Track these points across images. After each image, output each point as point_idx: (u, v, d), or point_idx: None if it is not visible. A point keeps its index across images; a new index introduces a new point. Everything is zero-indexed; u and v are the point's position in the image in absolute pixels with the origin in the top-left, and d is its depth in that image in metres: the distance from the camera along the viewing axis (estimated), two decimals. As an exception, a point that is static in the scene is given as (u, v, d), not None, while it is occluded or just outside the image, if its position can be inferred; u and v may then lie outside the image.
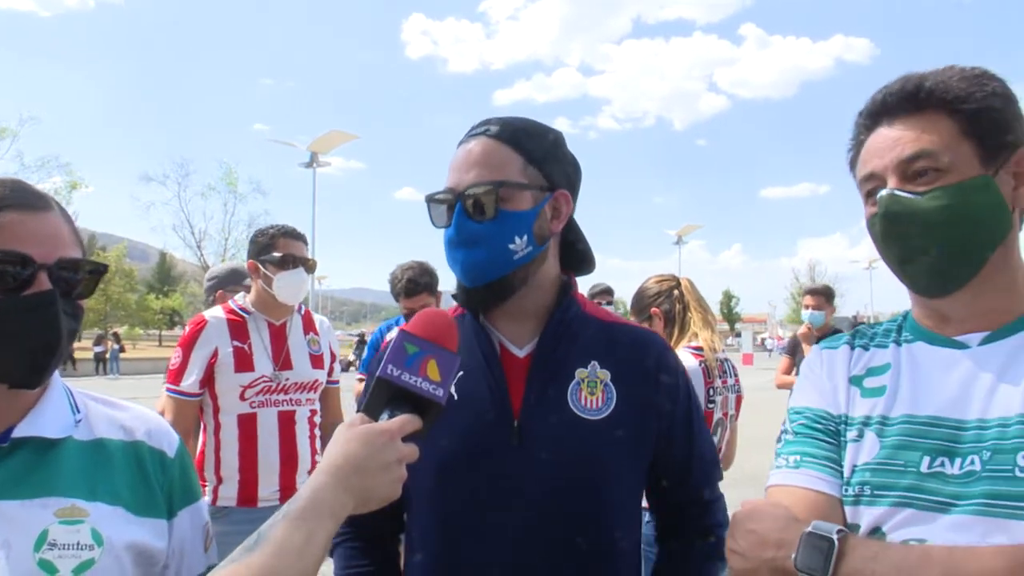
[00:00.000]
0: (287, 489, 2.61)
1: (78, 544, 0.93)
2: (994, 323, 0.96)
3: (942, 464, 0.91)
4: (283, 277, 2.61)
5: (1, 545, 0.89)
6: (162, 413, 2.50)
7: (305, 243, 2.74)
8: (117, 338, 31.15)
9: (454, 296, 1.35)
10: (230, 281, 3.44)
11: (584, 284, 5.32)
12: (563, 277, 1.33)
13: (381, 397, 0.97)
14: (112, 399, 1.14)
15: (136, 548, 0.99)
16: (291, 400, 2.68)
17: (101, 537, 0.95)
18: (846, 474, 0.99)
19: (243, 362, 2.60)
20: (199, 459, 2.61)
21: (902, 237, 0.96)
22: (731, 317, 74.29)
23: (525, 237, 1.21)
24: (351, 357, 24.65)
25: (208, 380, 2.58)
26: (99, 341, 29.20)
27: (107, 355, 28.37)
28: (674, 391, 1.30)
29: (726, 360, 2.64)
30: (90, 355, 28.55)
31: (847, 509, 0.97)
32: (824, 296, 5.02)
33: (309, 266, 2.70)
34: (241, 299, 2.76)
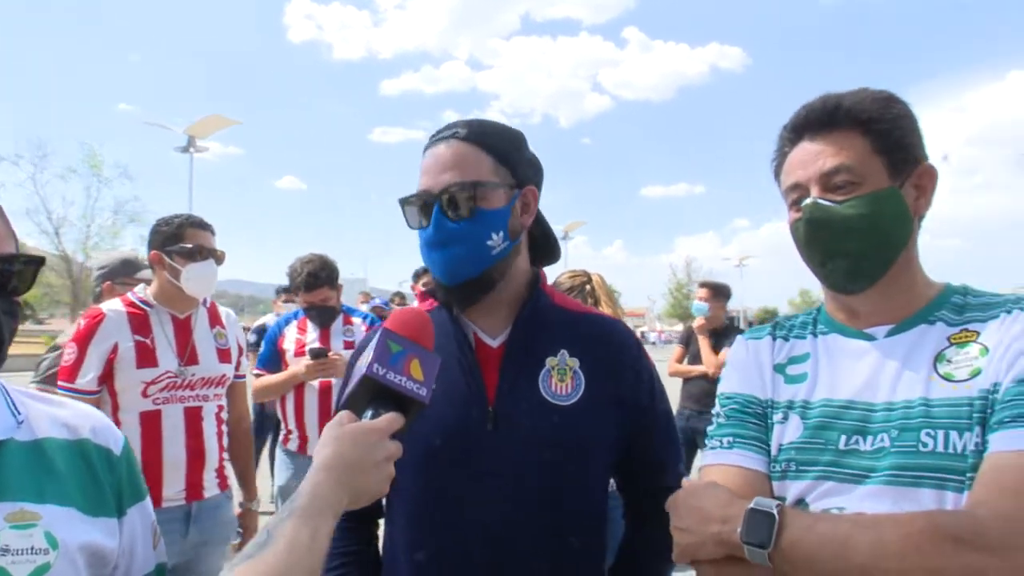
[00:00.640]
0: (194, 487, 2.52)
1: (32, 548, 0.89)
2: (896, 317, 1.09)
3: (856, 442, 1.03)
4: (192, 269, 2.50)
5: None
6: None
7: (213, 233, 2.64)
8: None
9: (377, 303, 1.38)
10: (121, 272, 3.23)
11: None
12: (532, 269, 1.39)
13: (365, 395, 1.00)
14: (49, 396, 1.09)
15: (90, 549, 0.96)
16: (198, 396, 2.58)
17: (55, 540, 0.92)
18: (773, 452, 1.10)
19: (146, 357, 2.48)
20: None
21: (823, 240, 1.08)
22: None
23: (501, 233, 1.27)
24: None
25: (107, 377, 2.44)
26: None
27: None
28: (641, 378, 1.37)
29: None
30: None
31: (775, 483, 1.08)
32: (713, 291, 5.25)
33: (219, 257, 2.60)
34: (141, 291, 2.62)
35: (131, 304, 2.56)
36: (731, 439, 1.14)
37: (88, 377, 2.40)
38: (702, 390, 4.98)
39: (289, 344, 3.61)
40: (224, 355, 2.71)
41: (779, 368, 1.17)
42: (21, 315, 0.99)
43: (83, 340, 2.43)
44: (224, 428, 2.71)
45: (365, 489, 0.94)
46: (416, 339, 1.05)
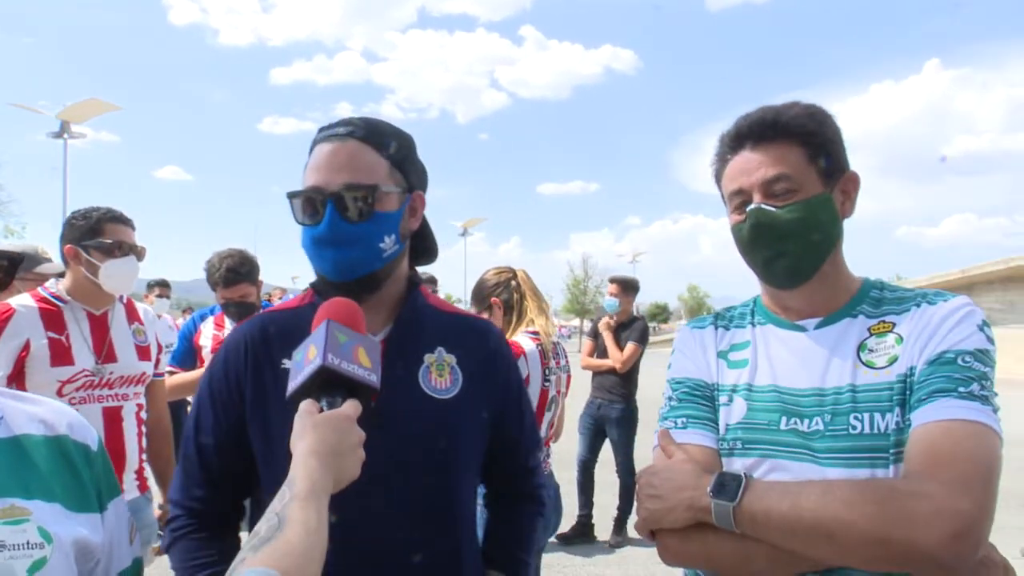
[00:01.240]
0: (113, 490, 2.43)
1: (28, 543, 0.89)
2: (823, 311, 1.21)
3: (795, 423, 1.14)
4: (112, 266, 2.41)
5: None
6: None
7: (134, 228, 2.54)
8: None
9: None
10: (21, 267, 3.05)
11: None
12: (409, 271, 1.44)
13: (317, 385, 1.03)
14: (20, 393, 1.07)
15: (79, 544, 0.96)
16: (117, 395, 2.49)
17: (49, 534, 0.91)
18: (721, 431, 1.21)
19: (60, 355, 2.37)
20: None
21: (766, 242, 1.20)
22: (511, 306, 77.34)
23: (393, 236, 1.30)
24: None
25: (17, 376, 2.32)
26: None
27: None
28: (508, 374, 1.47)
29: (558, 343, 2.91)
30: None
31: (723, 459, 1.19)
32: (622, 286, 5.45)
33: (139, 253, 2.51)
34: (53, 286, 2.50)
35: (43, 299, 2.44)
36: (685, 419, 1.23)
37: None
38: (612, 382, 5.28)
39: (206, 340, 3.51)
40: (144, 352, 2.63)
41: (722, 354, 1.28)
42: None
43: (-10, 337, 2.29)
44: (143, 428, 2.63)
45: (345, 472, 0.99)
46: (356, 328, 1.10)
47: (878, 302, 1.21)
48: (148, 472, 2.69)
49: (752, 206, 1.20)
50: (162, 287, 6.79)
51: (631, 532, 5.14)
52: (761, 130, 1.20)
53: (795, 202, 1.17)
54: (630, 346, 5.20)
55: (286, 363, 1.27)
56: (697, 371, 1.29)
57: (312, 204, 1.27)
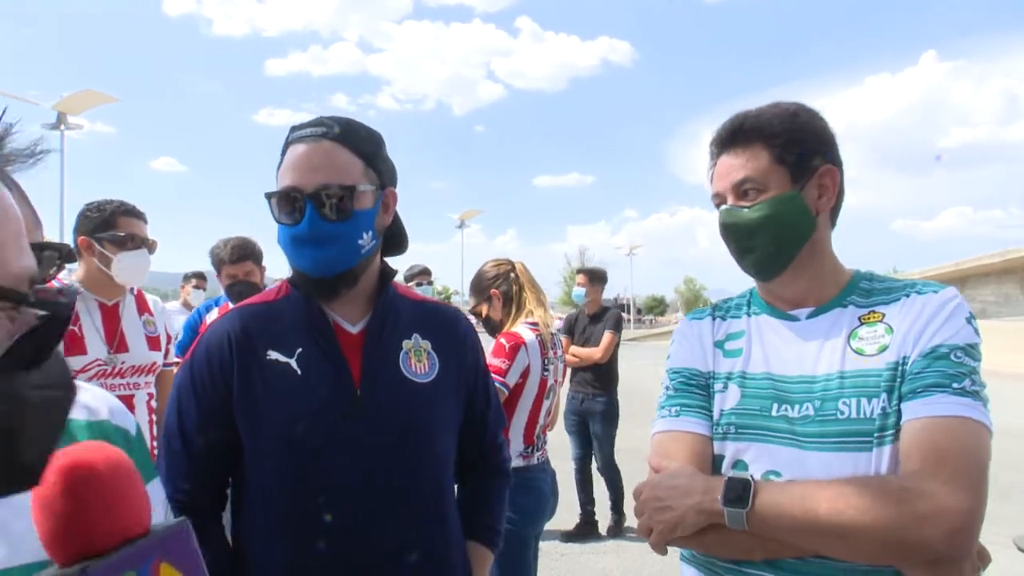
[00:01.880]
0: (126, 477, 2.51)
1: None
2: (814, 301, 1.27)
3: (786, 409, 1.19)
4: (125, 258, 2.49)
5: (3, 532, 0.85)
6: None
7: (146, 221, 2.62)
8: None
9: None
10: None
11: (400, 267, 5.42)
12: (381, 264, 1.49)
13: None
14: None
15: None
16: (128, 384, 2.57)
17: None
18: (715, 417, 1.27)
19: (74, 345, 2.44)
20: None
21: (736, 238, 1.28)
22: (508, 299, 77.39)
23: (370, 232, 1.36)
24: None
25: None
26: None
27: None
28: (476, 356, 1.56)
29: (555, 334, 3.00)
30: None
31: (716, 443, 1.24)
32: (590, 276, 5.43)
33: (151, 246, 2.59)
34: (65, 277, 2.58)
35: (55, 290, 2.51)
36: (678, 408, 1.30)
37: None
38: (592, 375, 5.26)
39: (211, 331, 3.58)
40: (154, 343, 2.71)
41: (719, 344, 1.34)
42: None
43: (6, 328, 2.37)
44: (155, 417, 2.71)
45: None
46: (126, 513, 0.60)
47: (868, 292, 1.26)
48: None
49: (723, 207, 1.29)
50: (199, 278, 6.70)
51: (630, 519, 5.22)
52: (731, 136, 1.28)
53: (761, 201, 1.24)
54: (606, 335, 5.20)
55: (271, 354, 1.34)
56: (693, 361, 1.35)
57: (291, 204, 1.31)
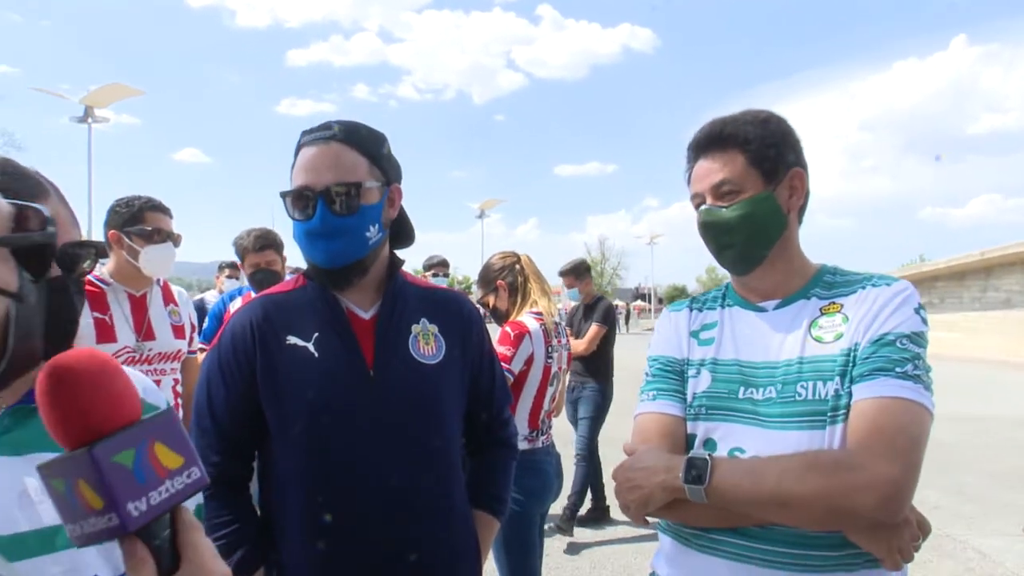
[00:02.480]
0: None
1: None
2: (781, 293, 1.38)
3: (752, 392, 1.31)
4: (152, 250, 2.64)
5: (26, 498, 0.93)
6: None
7: (171, 216, 2.77)
8: None
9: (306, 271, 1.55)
10: None
11: (419, 258, 5.56)
12: (390, 254, 1.60)
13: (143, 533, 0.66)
14: None
15: None
16: (155, 370, 2.73)
17: None
18: (689, 399, 1.39)
19: (104, 333, 2.60)
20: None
21: (715, 235, 1.39)
22: (528, 289, 77.67)
23: (376, 225, 1.48)
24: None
25: None
26: None
27: None
28: (480, 337, 1.67)
29: (559, 323, 3.12)
30: None
31: (690, 423, 1.37)
32: (574, 274, 5.40)
33: (176, 240, 2.74)
34: (97, 269, 2.74)
35: (88, 282, 2.67)
36: (655, 392, 1.43)
37: None
38: (582, 365, 5.31)
39: (236, 319, 3.75)
40: (179, 331, 2.87)
41: (694, 334, 1.46)
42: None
43: (42, 317, 2.52)
44: (180, 402, 2.87)
45: None
46: (116, 404, 0.65)
47: (830, 285, 1.36)
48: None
49: (702, 207, 1.39)
50: (232, 269, 6.84)
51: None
52: (709, 141, 1.39)
53: (737, 201, 1.34)
54: (592, 328, 5.21)
55: (290, 339, 1.46)
56: (670, 349, 1.47)
57: (304, 201, 1.43)
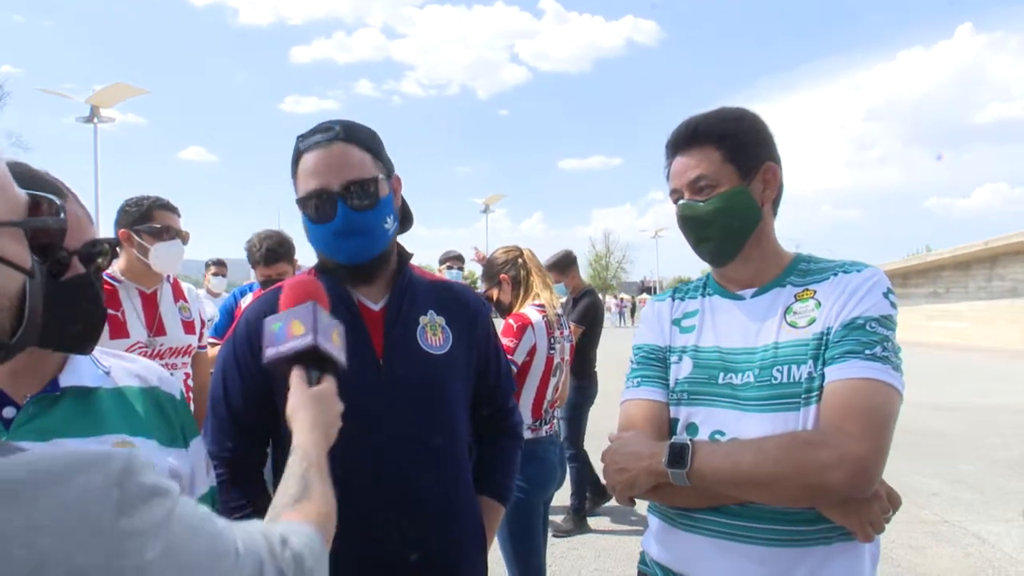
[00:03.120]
0: (165, 451, 2.74)
1: None
2: (758, 282, 1.44)
3: (731, 377, 1.36)
4: (160, 248, 2.71)
5: None
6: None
7: (179, 215, 2.83)
8: None
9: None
10: None
11: (436, 253, 5.70)
12: (397, 245, 1.62)
13: (300, 358, 1.17)
14: (119, 352, 1.31)
15: (171, 472, 1.19)
16: (167, 365, 2.78)
17: (151, 463, 1.15)
18: (671, 384, 1.45)
19: (117, 329, 2.67)
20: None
21: (694, 229, 1.44)
22: (533, 283, 77.56)
23: (392, 216, 1.53)
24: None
25: None
26: None
27: None
28: (486, 327, 1.72)
29: (561, 316, 3.18)
30: None
31: (672, 408, 1.43)
32: (559, 269, 5.11)
33: (184, 237, 2.81)
34: (108, 267, 2.80)
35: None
36: (639, 379, 1.49)
37: None
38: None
39: (245, 315, 3.81)
40: (189, 327, 2.93)
41: (676, 322, 1.52)
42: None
43: (57, 314, 2.59)
44: (191, 395, 2.94)
45: (329, 441, 1.13)
46: (329, 312, 1.24)
47: (804, 273, 1.42)
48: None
49: (680, 202, 1.45)
50: (218, 266, 6.88)
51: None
52: (685, 139, 1.44)
53: (713, 196, 1.40)
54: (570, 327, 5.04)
55: None
56: (653, 338, 1.53)
57: (323, 204, 1.45)
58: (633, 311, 43.56)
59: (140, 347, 2.71)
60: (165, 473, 1.17)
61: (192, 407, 2.94)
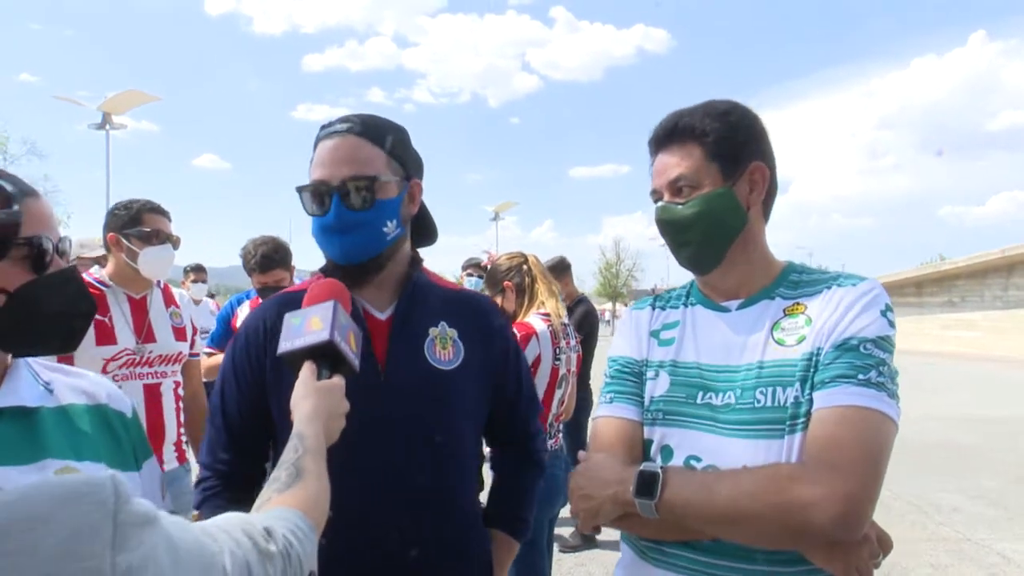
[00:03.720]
0: (155, 460, 2.64)
1: None
2: (744, 293, 1.31)
3: (710, 397, 1.24)
4: (150, 252, 2.61)
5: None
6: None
7: (170, 219, 2.74)
8: None
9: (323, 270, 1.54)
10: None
11: (457, 260, 5.78)
12: (412, 253, 1.56)
13: (312, 354, 1.17)
14: (65, 367, 1.21)
15: None
16: (156, 373, 2.69)
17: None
18: (646, 403, 1.32)
19: (104, 335, 2.57)
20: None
21: (672, 233, 1.32)
22: (543, 290, 77.63)
23: (394, 221, 1.43)
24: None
25: (66, 354, 2.52)
26: None
27: None
28: (505, 344, 1.59)
29: (568, 325, 3.05)
30: None
31: (647, 428, 1.30)
32: (552, 275, 4.72)
33: (175, 242, 2.71)
34: (97, 271, 2.71)
35: (87, 284, 2.63)
36: (612, 395, 1.37)
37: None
38: None
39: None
40: (180, 333, 2.83)
41: (655, 333, 1.39)
42: None
43: (42, 320, 2.50)
44: (181, 404, 2.83)
45: (332, 436, 1.13)
46: (349, 314, 1.24)
47: (796, 284, 1.29)
48: (186, 445, 2.89)
49: (657, 204, 1.33)
50: (197, 272, 6.83)
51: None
52: (666, 135, 1.32)
53: (694, 197, 1.27)
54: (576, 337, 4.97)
55: None
56: (628, 350, 1.40)
57: (319, 196, 1.40)
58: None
59: (128, 354, 2.61)
60: None
61: (182, 417, 2.85)
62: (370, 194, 1.38)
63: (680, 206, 1.29)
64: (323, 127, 1.45)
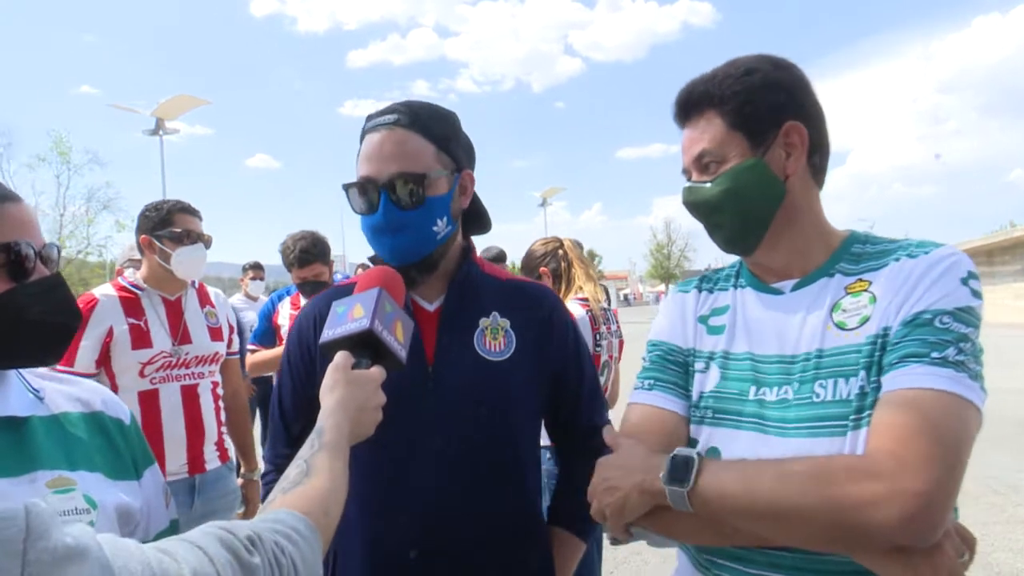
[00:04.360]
0: (195, 461, 2.63)
1: (75, 510, 0.97)
2: (799, 271, 1.15)
3: (764, 393, 1.10)
4: (183, 252, 2.59)
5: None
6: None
7: (200, 218, 2.72)
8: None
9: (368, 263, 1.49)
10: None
11: (506, 248, 5.53)
12: (464, 243, 1.49)
13: (354, 343, 1.11)
14: (57, 374, 1.17)
15: (120, 509, 1.05)
16: (193, 374, 2.68)
17: (94, 501, 1.00)
18: (694, 398, 1.18)
19: (140, 339, 2.57)
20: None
21: (702, 216, 1.19)
22: (595, 274, 77.35)
23: (445, 218, 1.36)
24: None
25: (104, 359, 2.53)
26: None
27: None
28: (564, 335, 1.50)
29: (608, 309, 2.93)
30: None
31: (693, 427, 1.16)
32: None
33: (206, 241, 2.69)
34: (131, 275, 2.71)
35: (122, 288, 2.64)
36: (651, 382, 1.23)
37: (85, 360, 2.48)
38: None
39: (284, 320, 3.73)
40: (216, 333, 2.81)
41: (702, 319, 1.25)
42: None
43: (78, 325, 2.51)
44: (220, 403, 2.82)
45: (363, 429, 1.07)
46: (398, 300, 1.17)
47: (858, 258, 1.13)
48: (228, 444, 2.89)
49: (684, 186, 1.20)
50: (256, 270, 6.92)
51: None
52: (684, 107, 1.19)
53: (720, 174, 1.13)
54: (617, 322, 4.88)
55: None
56: (673, 336, 1.26)
57: (366, 194, 1.34)
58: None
59: (164, 357, 2.60)
60: (111, 512, 1.02)
61: (223, 417, 2.84)
62: (419, 192, 1.31)
63: (707, 185, 1.15)
64: (369, 117, 1.38)
